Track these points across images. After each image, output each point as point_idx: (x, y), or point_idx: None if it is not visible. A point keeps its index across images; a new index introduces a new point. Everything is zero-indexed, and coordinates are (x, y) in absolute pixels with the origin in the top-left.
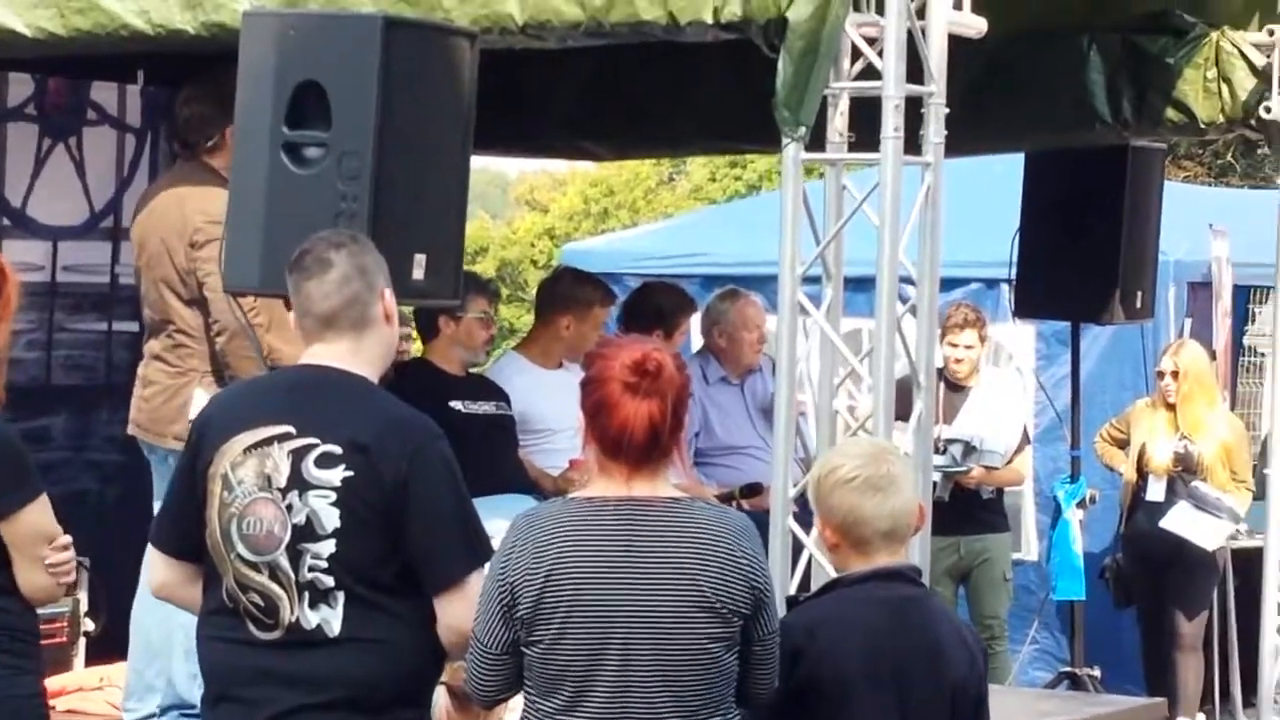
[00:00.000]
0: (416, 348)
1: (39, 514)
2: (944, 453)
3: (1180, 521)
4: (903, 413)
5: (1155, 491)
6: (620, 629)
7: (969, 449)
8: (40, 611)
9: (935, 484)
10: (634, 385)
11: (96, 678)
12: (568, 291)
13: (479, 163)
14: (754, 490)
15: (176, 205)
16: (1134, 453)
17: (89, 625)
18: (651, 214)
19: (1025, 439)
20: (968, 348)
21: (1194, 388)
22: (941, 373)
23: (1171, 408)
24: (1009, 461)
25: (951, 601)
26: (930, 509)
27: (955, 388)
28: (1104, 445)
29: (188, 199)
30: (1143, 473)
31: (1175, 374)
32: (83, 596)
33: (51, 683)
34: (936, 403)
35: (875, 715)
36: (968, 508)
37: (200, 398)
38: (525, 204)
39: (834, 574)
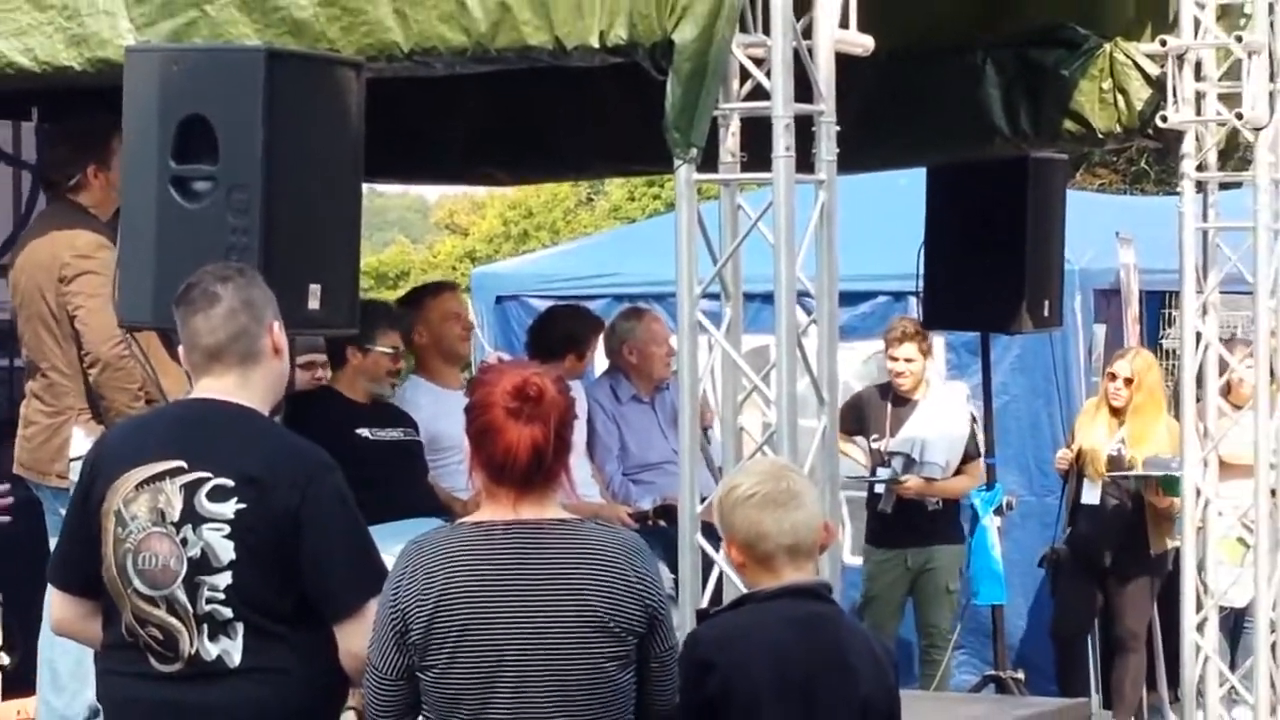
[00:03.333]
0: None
1: None
2: (887, 465)
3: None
4: (857, 428)
5: (1091, 495)
6: (513, 652)
7: (909, 461)
8: None
9: (879, 497)
10: (516, 410)
11: (14, 711)
12: (404, 307)
13: (398, 188)
14: (667, 513)
15: (46, 244)
16: (1073, 454)
17: (4, 660)
18: (571, 234)
19: (976, 449)
20: (908, 360)
21: (1146, 399)
22: (889, 387)
23: (1115, 412)
24: (957, 473)
25: (897, 611)
26: (836, 525)
27: (901, 401)
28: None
29: (56, 238)
30: (1080, 476)
31: (1129, 381)
32: None
33: None
34: (885, 417)
35: None
36: (913, 519)
37: (79, 436)
38: (445, 228)
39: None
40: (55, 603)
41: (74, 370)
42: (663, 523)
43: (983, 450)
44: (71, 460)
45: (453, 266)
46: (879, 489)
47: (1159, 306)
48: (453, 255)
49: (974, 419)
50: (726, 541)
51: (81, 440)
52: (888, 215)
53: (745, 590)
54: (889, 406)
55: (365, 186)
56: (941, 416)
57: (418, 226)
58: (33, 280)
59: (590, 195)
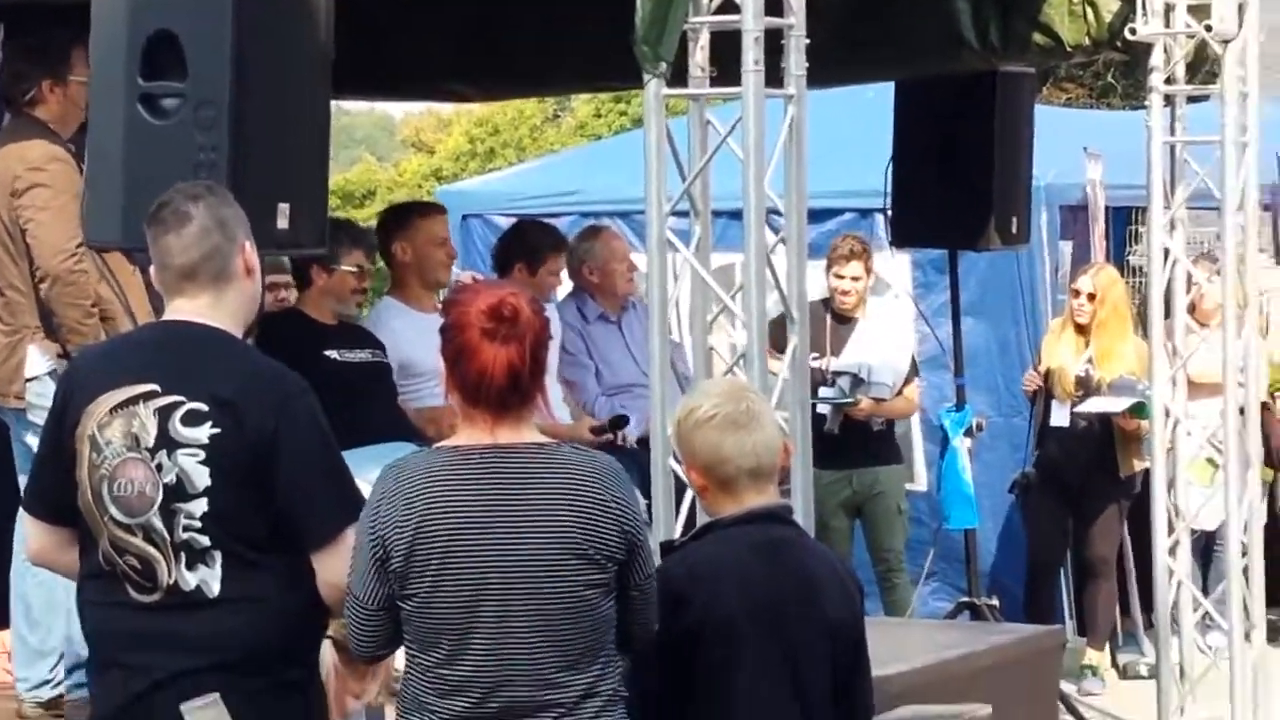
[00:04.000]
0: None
1: None
2: (832, 385)
3: (1099, 404)
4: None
5: (1060, 416)
6: (494, 578)
7: (857, 381)
8: None
9: (825, 417)
10: (491, 331)
11: None
12: (388, 221)
13: (364, 106)
14: (620, 422)
15: (0, 160)
16: (1040, 375)
17: None
18: (538, 151)
19: (914, 370)
20: (854, 279)
21: (1110, 315)
22: (828, 304)
23: (1081, 330)
24: (899, 392)
25: (847, 535)
26: (803, 444)
27: (842, 319)
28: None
29: (8, 151)
30: (1049, 397)
31: (1092, 296)
32: None
33: None
34: (825, 335)
35: (757, 657)
36: (858, 440)
37: (34, 354)
38: (411, 146)
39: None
40: (32, 532)
41: (29, 287)
42: (620, 433)
43: (955, 369)
44: (28, 380)
45: (419, 185)
46: (823, 409)
47: (1125, 223)
48: (419, 173)
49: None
50: (686, 465)
51: (37, 359)
52: (854, 130)
53: (707, 514)
54: (829, 323)
55: (332, 104)
56: (886, 336)
57: (384, 145)
58: None
59: (557, 112)
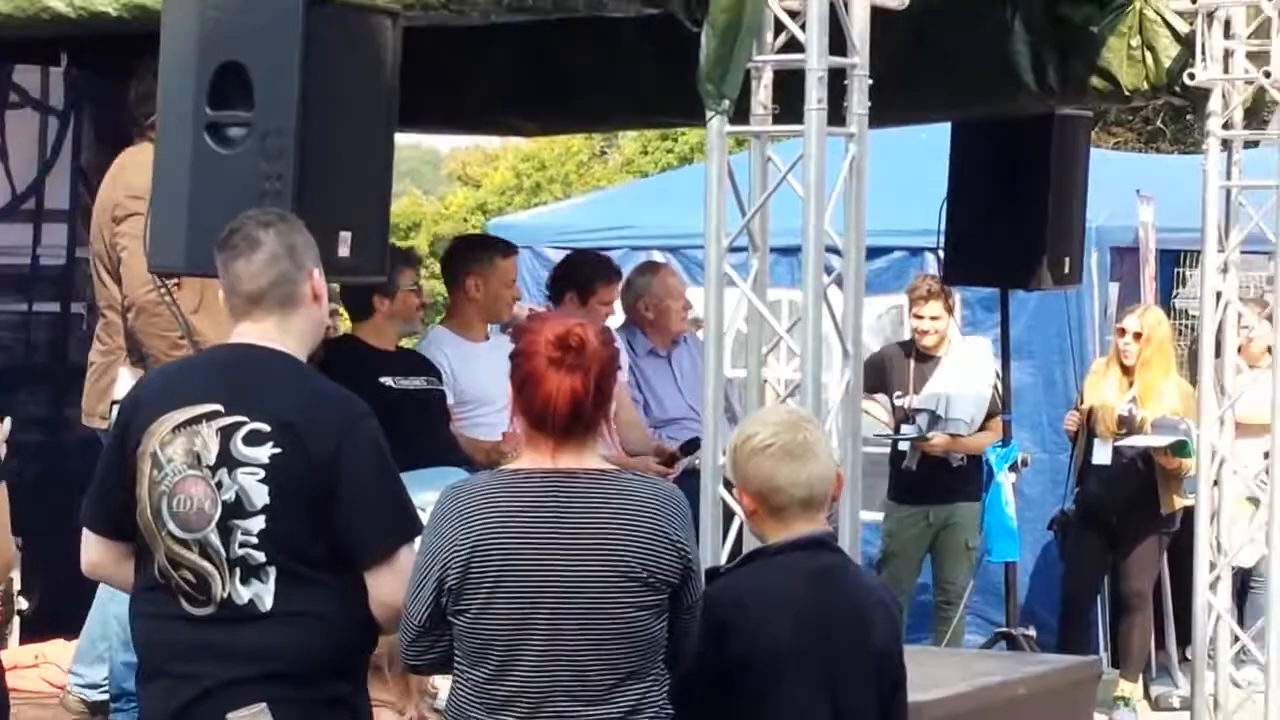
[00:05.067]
0: (344, 324)
1: None
2: (911, 423)
3: (1140, 440)
4: (878, 386)
5: (1102, 454)
6: (547, 598)
7: (934, 417)
8: None
9: (903, 454)
10: (558, 360)
11: (31, 655)
12: (465, 253)
13: (410, 139)
14: (693, 445)
15: (110, 182)
16: (1084, 413)
17: (23, 604)
18: (584, 188)
19: (997, 405)
20: (933, 318)
21: (1155, 354)
22: (912, 344)
23: (1126, 370)
24: (981, 428)
25: (916, 567)
26: (852, 474)
27: (924, 358)
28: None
29: (120, 175)
30: (1090, 435)
31: (1138, 335)
32: (16, 575)
33: None
34: (907, 374)
35: (804, 686)
36: (936, 476)
37: (124, 376)
38: (457, 179)
39: (758, 541)
40: (89, 545)
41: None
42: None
43: (1001, 406)
44: (113, 402)
45: (464, 218)
46: (903, 446)
47: (1173, 265)
48: (464, 207)
49: (996, 374)
50: (739, 489)
51: (126, 382)
52: (906, 169)
53: (754, 537)
54: (912, 363)
55: None
56: (966, 373)
57: (429, 178)
58: (97, 218)
59: (603, 149)
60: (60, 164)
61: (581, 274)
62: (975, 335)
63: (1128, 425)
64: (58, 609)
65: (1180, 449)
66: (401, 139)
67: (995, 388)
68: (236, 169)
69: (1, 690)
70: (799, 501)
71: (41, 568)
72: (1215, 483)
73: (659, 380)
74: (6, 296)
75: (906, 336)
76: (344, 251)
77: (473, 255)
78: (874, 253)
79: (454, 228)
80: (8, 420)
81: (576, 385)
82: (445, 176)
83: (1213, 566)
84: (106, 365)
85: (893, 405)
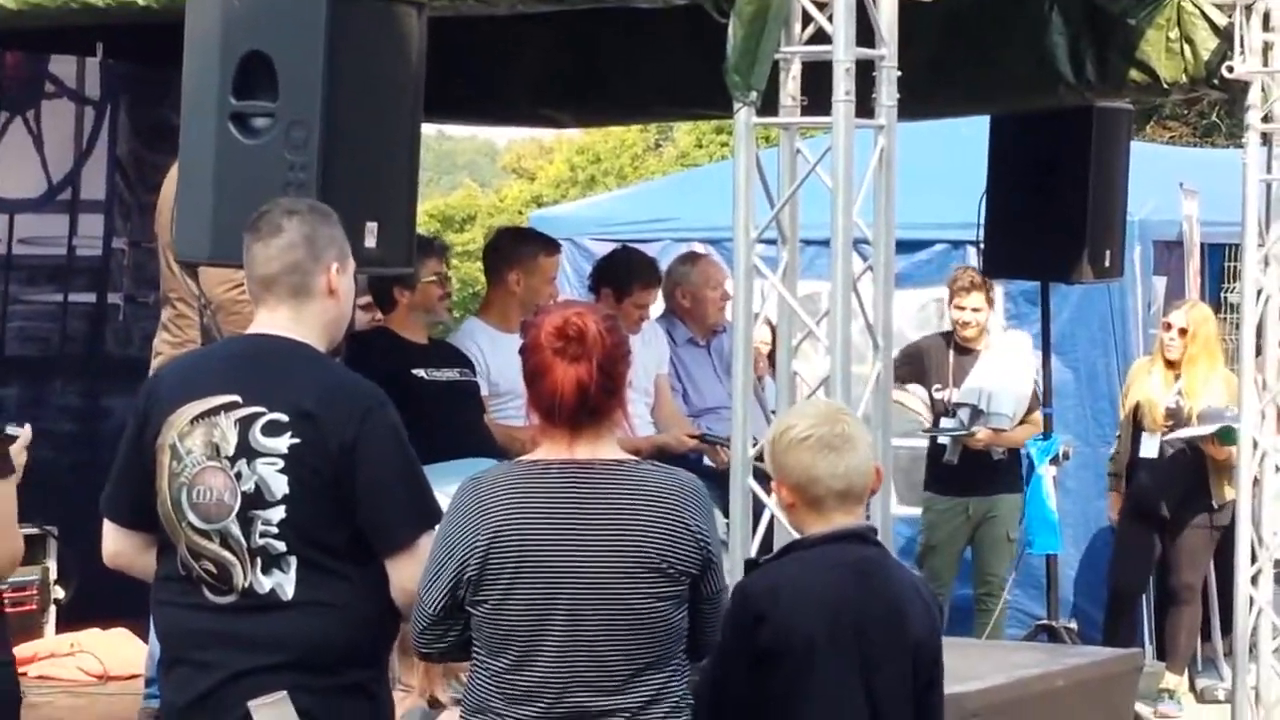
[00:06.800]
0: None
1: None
2: (952, 416)
3: (1186, 431)
4: (915, 377)
5: (1149, 448)
6: (566, 589)
7: (976, 412)
8: (11, 579)
9: (945, 447)
10: (560, 350)
11: (67, 644)
12: (509, 247)
13: (467, 132)
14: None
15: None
16: (1129, 409)
17: (59, 593)
18: (639, 180)
19: (1036, 400)
20: (975, 310)
21: (1200, 350)
22: (951, 336)
23: (1171, 364)
24: (1021, 422)
25: (956, 560)
26: (890, 471)
27: (964, 351)
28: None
29: None
30: (1138, 429)
31: (1183, 331)
32: (52, 564)
33: (23, 650)
34: (947, 367)
35: (838, 678)
36: (978, 469)
37: None
38: (513, 172)
39: (794, 534)
40: (110, 536)
41: (195, 304)
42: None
43: (1041, 399)
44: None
45: (519, 211)
46: (943, 440)
47: (1221, 259)
48: (519, 200)
49: (1035, 369)
50: (777, 482)
51: None
52: (949, 163)
53: (792, 530)
54: (952, 356)
55: (433, 129)
56: (1006, 366)
57: (485, 171)
58: (164, 210)
59: (658, 141)
60: (96, 154)
61: (620, 273)
62: (1018, 328)
63: (1174, 418)
64: (93, 598)
65: (1226, 435)
66: (458, 131)
67: (1035, 382)
68: (261, 159)
69: (9, 688)
70: (836, 494)
71: (77, 557)
72: (1257, 478)
73: (698, 369)
74: (42, 287)
75: (947, 328)
76: (370, 243)
77: (516, 250)
78: (916, 245)
79: (508, 220)
80: (27, 427)
81: (581, 374)
82: (501, 169)
83: (1254, 559)
84: (175, 358)
85: (931, 397)
